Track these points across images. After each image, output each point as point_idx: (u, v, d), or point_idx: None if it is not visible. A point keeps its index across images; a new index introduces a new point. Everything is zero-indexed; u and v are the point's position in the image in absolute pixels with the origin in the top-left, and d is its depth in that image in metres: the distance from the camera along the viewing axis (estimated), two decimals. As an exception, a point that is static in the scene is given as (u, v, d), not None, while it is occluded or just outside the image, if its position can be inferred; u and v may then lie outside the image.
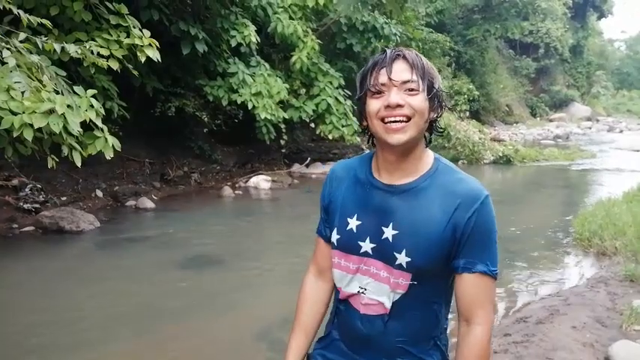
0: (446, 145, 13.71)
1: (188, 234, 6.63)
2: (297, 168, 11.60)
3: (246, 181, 9.88)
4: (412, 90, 1.12)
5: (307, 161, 11.86)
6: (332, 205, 1.32)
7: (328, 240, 1.33)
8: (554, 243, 5.98)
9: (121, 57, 6.28)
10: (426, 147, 1.23)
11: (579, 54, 35.09)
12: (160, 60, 6.56)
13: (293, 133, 12.23)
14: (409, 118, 1.12)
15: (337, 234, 1.27)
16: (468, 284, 1.16)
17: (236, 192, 9.20)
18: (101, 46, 6.05)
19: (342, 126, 10.93)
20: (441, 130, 1.26)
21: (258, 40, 9.48)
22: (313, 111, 10.69)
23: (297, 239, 6.62)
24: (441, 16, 22.16)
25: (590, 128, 28.14)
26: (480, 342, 1.16)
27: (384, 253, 1.19)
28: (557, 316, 3.68)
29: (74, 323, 3.93)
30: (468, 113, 18.73)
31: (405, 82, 1.12)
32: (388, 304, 1.20)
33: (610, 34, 56.01)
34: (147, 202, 7.95)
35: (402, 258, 1.16)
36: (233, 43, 8.93)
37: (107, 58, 6.11)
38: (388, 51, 1.16)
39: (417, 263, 1.15)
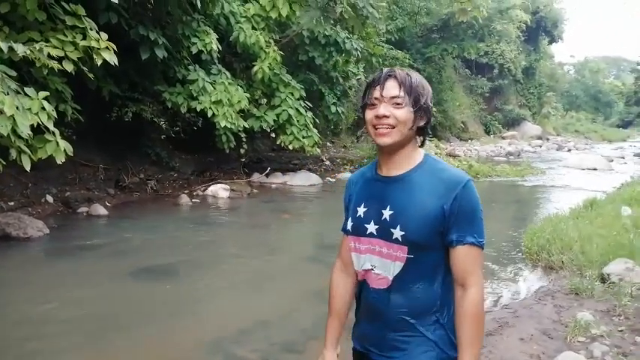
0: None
1: (142, 243, 6.46)
2: (256, 177, 11.53)
3: (204, 190, 9.75)
4: (398, 104, 1.39)
5: (267, 171, 11.82)
6: (349, 203, 1.59)
7: (348, 232, 1.58)
8: (505, 257, 6.16)
9: (77, 59, 6.12)
10: (421, 147, 1.49)
11: (531, 75, 36.54)
12: (117, 64, 6.43)
13: (253, 143, 12.19)
14: (394, 127, 1.39)
15: (350, 221, 1.54)
16: (461, 254, 1.38)
17: (193, 200, 9.05)
18: (55, 47, 5.89)
19: (303, 137, 10.98)
20: (428, 134, 1.52)
21: (220, 48, 9.43)
22: (274, 121, 10.69)
23: (255, 249, 6.57)
24: (402, 34, 22.67)
25: (540, 146, 29.22)
26: (474, 301, 1.37)
27: (384, 231, 1.43)
28: (506, 328, 3.79)
29: (19, 335, 3.75)
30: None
31: (392, 98, 1.39)
32: (390, 278, 1.43)
33: (560, 58, 58.54)
34: (100, 209, 7.72)
35: (397, 232, 1.39)
36: (194, 50, 8.84)
37: (61, 59, 5.95)
38: (384, 71, 1.44)
39: (409, 236, 1.38)
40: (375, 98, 1.41)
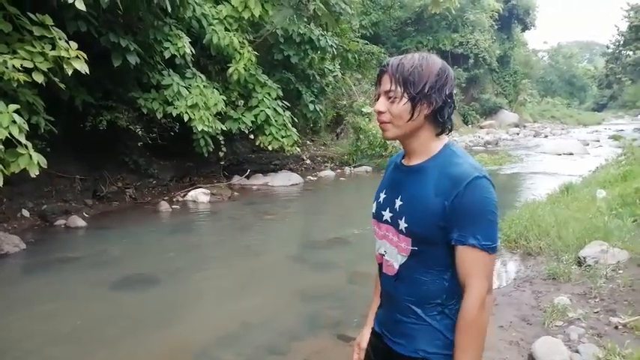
0: (383, 153, 14.03)
1: (122, 252, 6.42)
2: (237, 180, 11.49)
3: (184, 195, 9.69)
4: (391, 98, 1.37)
5: (247, 173, 11.78)
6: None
7: None
8: (485, 245, 6.24)
9: (47, 70, 6.03)
10: (440, 135, 1.41)
11: (506, 64, 36.93)
12: (88, 72, 6.36)
13: (232, 145, 12.13)
14: (390, 121, 1.38)
15: (374, 207, 1.55)
16: (462, 255, 1.32)
17: (173, 207, 8.99)
18: (24, 59, 5.80)
19: (282, 137, 10.96)
20: (442, 121, 1.40)
21: (193, 51, 9.36)
22: (252, 122, 10.66)
23: (238, 252, 6.56)
24: (376, 29, 22.77)
25: (517, 134, 29.56)
26: (469, 307, 1.32)
27: (395, 221, 1.43)
28: (486, 316, 3.85)
29: (-3, 353, 3.71)
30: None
31: (386, 92, 1.38)
32: (397, 266, 1.44)
33: (534, 45, 59.34)
34: (78, 221, 7.63)
35: (402, 224, 1.39)
36: (167, 55, 8.75)
37: (31, 70, 5.86)
38: (382, 64, 1.42)
39: (412, 229, 1.37)
40: (378, 94, 1.42)
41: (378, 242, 1.53)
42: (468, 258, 1.31)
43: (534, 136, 28.67)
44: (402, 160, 1.49)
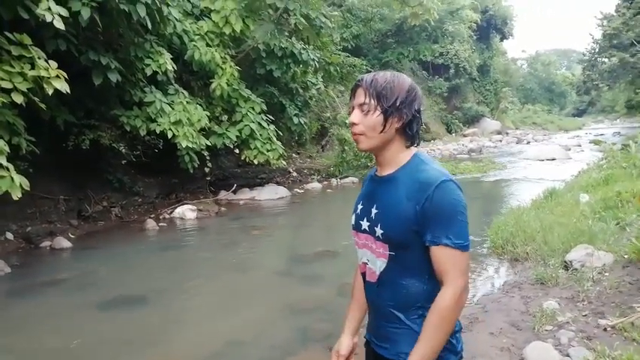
0: (369, 164, 14.08)
1: (109, 273, 6.32)
2: (224, 195, 11.44)
3: (171, 212, 9.60)
4: (364, 110, 1.44)
5: (234, 187, 11.74)
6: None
7: None
8: (472, 253, 6.26)
9: (26, 90, 5.98)
10: (408, 147, 1.49)
11: (486, 73, 37.51)
12: (69, 92, 6.31)
13: (218, 160, 12.10)
14: (363, 133, 1.45)
15: (353, 218, 1.60)
16: (436, 255, 1.38)
17: (160, 224, 8.90)
18: (2, 79, 5.74)
19: (267, 150, 10.96)
20: (411, 134, 1.49)
21: (175, 68, 9.34)
22: (237, 137, 10.65)
23: (226, 269, 6.51)
24: (357, 41, 22.98)
25: (500, 141, 29.93)
26: (445, 300, 1.37)
27: (372, 229, 1.49)
28: (476, 323, 3.86)
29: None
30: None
31: (360, 105, 1.45)
32: (378, 272, 1.50)
33: (512, 54, 60.50)
34: (63, 242, 7.51)
35: (379, 231, 1.45)
36: (148, 72, 8.72)
37: (10, 91, 5.80)
38: (357, 79, 1.48)
39: (388, 234, 1.43)
40: (352, 107, 1.49)
41: (360, 252, 1.59)
42: (442, 257, 1.37)
43: (517, 143, 29.04)
44: (376, 172, 1.57)
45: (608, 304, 3.93)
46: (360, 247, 1.58)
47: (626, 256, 4.84)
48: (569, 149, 21.01)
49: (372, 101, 1.42)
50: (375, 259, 1.50)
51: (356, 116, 1.46)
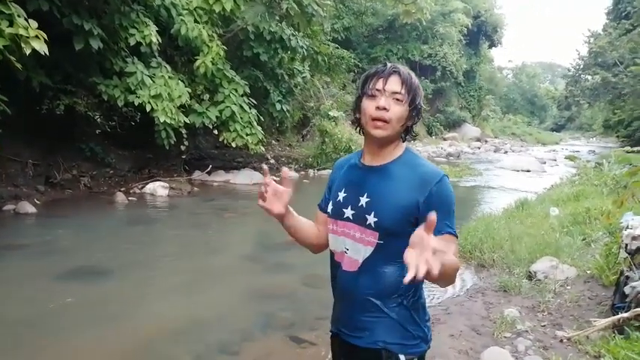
0: (348, 157, 14.06)
1: (73, 242, 6.19)
2: (198, 175, 11.30)
3: (142, 188, 9.44)
4: (398, 100, 1.46)
5: (209, 169, 11.60)
6: (332, 185, 1.66)
7: (324, 211, 1.67)
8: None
9: (2, 47, 5.77)
10: (402, 142, 1.56)
11: (472, 79, 37.81)
12: (47, 53, 6.11)
13: (195, 139, 11.92)
14: (389, 121, 1.45)
15: (331, 205, 1.60)
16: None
17: (130, 198, 8.74)
18: (-23, 34, 5.53)
19: (247, 134, 10.84)
20: (414, 134, 1.59)
21: (160, 40, 9.14)
22: (217, 117, 10.48)
23: (194, 249, 6.44)
24: (348, 33, 22.89)
25: (479, 148, 30.28)
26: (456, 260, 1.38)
27: (359, 217, 1.50)
28: (438, 324, 3.89)
29: None
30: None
31: (394, 93, 1.45)
32: (360, 260, 1.50)
33: (499, 63, 61.14)
34: (28, 207, 7.32)
35: (371, 218, 1.47)
36: (132, 42, 8.52)
37: (-16, 47, 5.59)
38: (388, 65, 1.49)
39: (382, 222, 1.45)
40: (377, 90, 1.46)
41: (338, 239, 1.57)
42: (448, 244, 1.38)
43: (494, 151, 29.42)
44: (361, 161, 1.58)
45: (567, 317, 4.01)
46: (337, 235, 1.57)
47: (588, 272, 4.94)
48: (545, 162, 21.38)
49: (407, 94, 1.46)
50: (360, 247, 1.50)
51: (387, 102, 1.46)
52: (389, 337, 1.48)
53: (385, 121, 1.45)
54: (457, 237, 1.49)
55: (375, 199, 1.48)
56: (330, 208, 1.61)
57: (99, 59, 8.64)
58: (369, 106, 1.47)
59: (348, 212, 1.53)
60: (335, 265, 1.61)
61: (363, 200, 1.50)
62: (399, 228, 1.43)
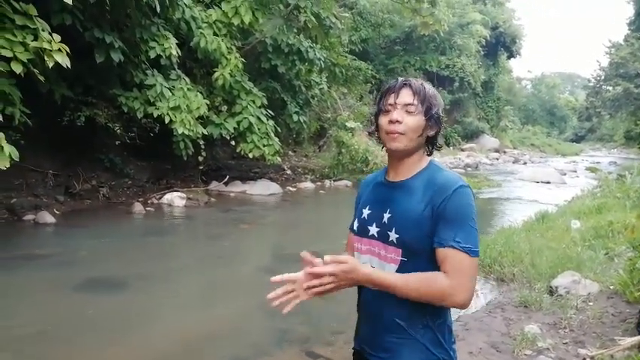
0: (364, 169, 14.02)
1: (90, 253, 6.24)
2: (215, 186, 11.36)
3: (160, 198, 9.52)
4: (410, 112, 1.46)
5: (226, 179, 11.66)
6: (359, 204, 1.65)
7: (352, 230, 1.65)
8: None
9: (26, 60, 5.89)
10: (428, 155, 1.55)
11: (490, 89, 37.54)
12: (69, 66, 6.22)
13: (212, 150, 12.02)
14: (404, 133, 1.45)
15: (357, 223, 1.59)
16: (441, 257, 1.37)
17: (147, 209, 8.82)
18: (3, 47, 5.65)
19: (264, 145, 10.89)
20: (439, 145, 1.59)
21: (179, 53, 9.26)
22: (234, 129, 10.56)
23: (210, 260, 6.44)
24: (365, 45, 22.96)
25: (497, 159, 29.93)
26: (442, 282, 1.34)
27: (383, 234, 1.48)
28: (457, 341, 3.79)
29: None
30: (387, 139, 19.31)
31: (406, 105, 1.46)
32: None
33: (518, 73, 60.63)
34: (47, 217, 7.42)
35: (393, 235, 1.45)
36: (152, 55, 8.65)
37: (10, 60, 5.71)
38: (399, 80, 1.51)
39: (403, 239, 1.42)
40: (390, 104, 1.48)
41: (362, 258, 1.55)
42: (448, 259, 1.36)
43: (513, 163, 29.06)
44: (386, 177, 1.57)
45: (590, 334, 3.90)
46: (362, 253, 1.55)
47: (611, 287, 4.81)
48: (565, 174, 21.02)
49: (419, 105, 1.46)
50: (384, 265, 1.48)
51: (400, 115, 1.46)
52: (413, 359, 1.44)
53: (400, 133, 1.45)
54: (472, 253, 1.36)
55: (395, 216, 1.46)
56: (355, 225, 1.60)
57: (119, 72, 8.79)
58: (383, 121, 1.49)
59: (373, 230, 1.51)
60: (362, 286, 1.52)
61: (386, 217, 1.48)
62: (419, 243, 1.40)
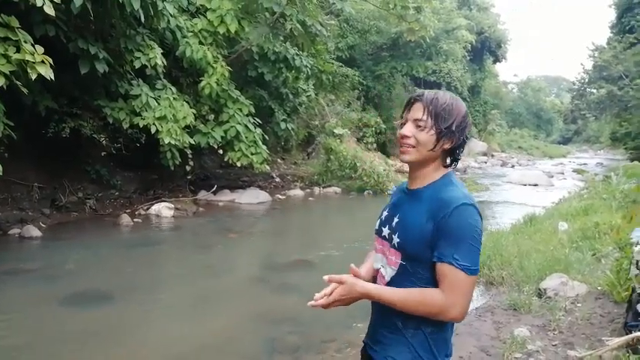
0: (353, 175, 14.04)
1: (77, 266, 6.17)
2: (203, 195, 11.29)
3: (147, 209, 9.44)
4: (420, 127, 1.49)
5: (214, 188, 11.59)
6: (385, 206, 1.71)
7: None
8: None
9: (9, 73, 5.83)
10: (446, 167, 1.55)
11: (477, 94, 37.83)
12: (53, 78, 6.17)
13: (200, 159, 11.95)
14: (414, 146, 1.49)
15: (378, 222, 1.67)
16: (440, 272, 1.41)
17: (135, 220, 8.73)
18: (-16, 60, 5.59)
19: (252, 153, 10.83)
20: (458, 158, 1.57)
21: (165, 62, 9.21)
22: (222, 137, 10.50)
23: (198, 271, 6.38)
24: (352, 52, 22.99)
25: (485, 162, 30.16)
26: (435, 299, 1.40)
27: (390, 237, 1.55)
28: (447, 346, 3.80)
29: None
30: (375, 145, 19.41)
31: (416, 120, 1.50)
32: (387, 279, 1.54)
33: (504, 77, 61.11)
34: (33, 231, 7.32)
35: (396, 239, 1.52)
36: (137, 65, 8.59)
37: (-9, 72, 5.65)
38: (415, 93, 1.54)
39: (403, 244, 1.49)
40: (404, 119, 1.54)
41: (376, 256, 1.64)
42: (445, 276, 1.40)
43: (501, 166, 29.28)
44: (407, 185, 1.63)
45: (579, 335, 3.92)
46: (377, 252, 1.64)
47: (599, 288, 4.85)
48: (552, 176, 21.21)
49: (430, 120, 1.48)
50: (387, 266, 1.55)
51: (409, 129, 1.50)
52: (399, 356, 1.50)
53: (411, 146, 1.50)
54: (469, 272, 1.38)
55: (401, 221, 1.53)
56: (376, 225, 1.67)
57: (104, 82, 8.71)
58: (398, 133, 1.55)
59: (385, 231, 1.59)
60: (374, 279, 1.65)
61: (395, 221, 1.55)
62: (417, 251, 1.45)
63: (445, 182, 1.51)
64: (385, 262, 1.57)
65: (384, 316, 1.55)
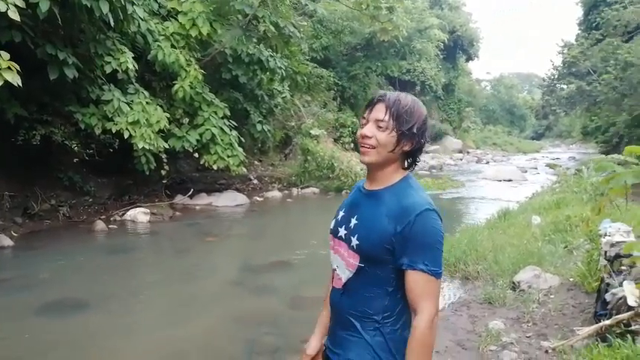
0: (330, 175, 14.08)
1: (51, 275, 6.05)
2: (179, 199, 11.19)
3: (123, 215, 9.31)
4: (380, 127, 1.48)
5: (191, 192, 11.50)
6: (341, 205, 1.70)
7: None
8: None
9: (-27, 80, 5.70)
10: (405, 169, 1.55)
11: (451, 92, 38.29)
12: (20, 85, 6.04)
13: (176, 163, 11.83)
14: (374, 147, 1.49)
15: (333, 222, 1.65)
16: (411, 280, 1.42)
17: (110, 226, 8.61)
18: (-52, 67, 5.46)
19: (228, 156, 10.77)
20: (417, 161, 1.59)
21: (137, 67, 9.10)
22: (197, 141, 10.43)
23: (175, 276, 6.33)
24: (327, 52, 23.05)
25: (461, 159, 30.53)
26: (421, 327, 1.40)
27: (348, 238, 1.54)
28: (423, 341, 3.84)
29: None
30: (352, 145, 19.49)
31: (377, 120, 1.49)
32: (344, 280, 1.55)
33: (477, 75, 61.85)
34: (4, 240, 7.17)
35: (354, 241, 1.50)
36: (108, 70, 8.46)
37: (-45, 80, 5.52)
38: (378, 94, 1.54)
39: (362, 246, 1.48)
40: (365, 119, 1.53)
41: (332, 256, 1.64)
42: (418, 282, 1.41)
43: (477, 162, 29.68)
44: (364, 184, 1.61)
45: (552, 326, 4.00)
46: (333, 252, 1.63)
47: (571, 279, 4.96)
48: (526, 171, 21.60)
49: (391, 121, 1.48)
50: (344, 268, 1.54)
51: (370, 129, 1.50)
52: (359, 358, 1.50)
53: (371, 146, 1.49)
54: (437, 276, 1.43)
55: (360, 223, 1.52)
56: (331, 224, 1.65)
57: (75, 88, 8.56)
58: (358, 133, 1.54)
59: (342, 231, 1.57)
60: (331, 280, 1.66)
61: (353, 222, 1.54)
62: (377, 253, 1.46)
63: (404, 186, 1.52)
64: (341, 262, 1.57)
65: (344, 319, 1.56)
